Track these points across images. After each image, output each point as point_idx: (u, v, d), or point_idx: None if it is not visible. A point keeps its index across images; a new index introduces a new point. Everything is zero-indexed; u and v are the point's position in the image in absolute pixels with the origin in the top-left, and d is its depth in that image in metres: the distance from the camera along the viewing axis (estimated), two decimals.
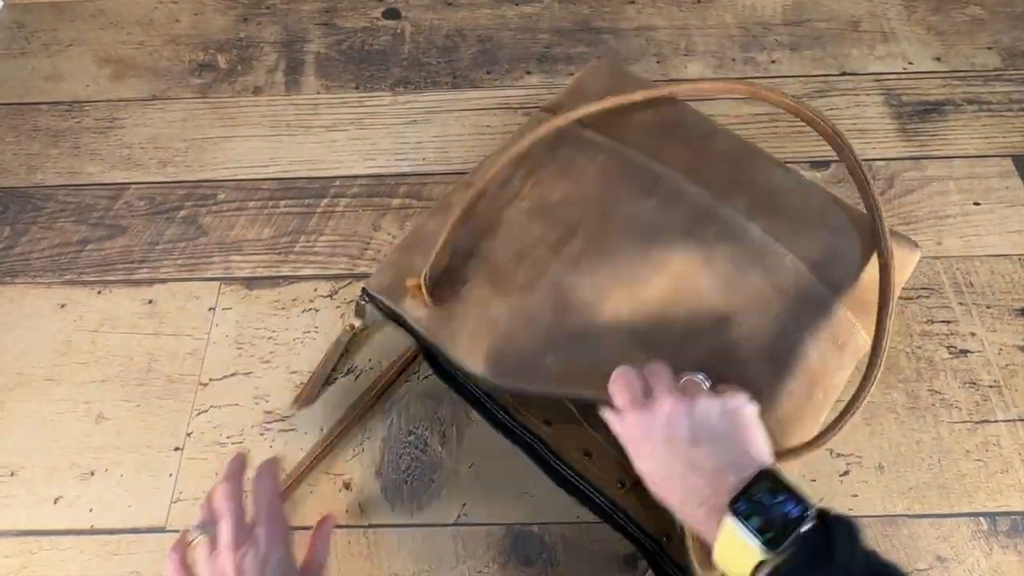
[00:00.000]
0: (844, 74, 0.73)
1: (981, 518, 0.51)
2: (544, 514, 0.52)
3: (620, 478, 0.50)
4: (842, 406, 0.43)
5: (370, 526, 0.52)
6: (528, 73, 0.75)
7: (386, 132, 0.71)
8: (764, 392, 0.43)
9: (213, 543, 0.42)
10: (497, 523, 0.52)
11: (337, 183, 0.68)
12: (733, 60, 0.75)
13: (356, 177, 0.68)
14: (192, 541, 0.43)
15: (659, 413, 0.38)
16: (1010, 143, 0.68)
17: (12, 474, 0.54)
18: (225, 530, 0.42)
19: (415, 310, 0.47)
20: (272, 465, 0.46)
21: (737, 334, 0.45)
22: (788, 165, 0.52)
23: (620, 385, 0.41)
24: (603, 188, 0.51)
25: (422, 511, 0.52)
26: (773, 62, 0.75)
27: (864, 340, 0.46)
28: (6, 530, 0.52)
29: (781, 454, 0.41)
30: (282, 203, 0.67)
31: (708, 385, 0.41)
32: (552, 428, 0.52)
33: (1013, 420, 0.54)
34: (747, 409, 0.39)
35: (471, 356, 0.46)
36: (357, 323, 0.55)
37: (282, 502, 0.45)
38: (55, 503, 0.53)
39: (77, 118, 0.73)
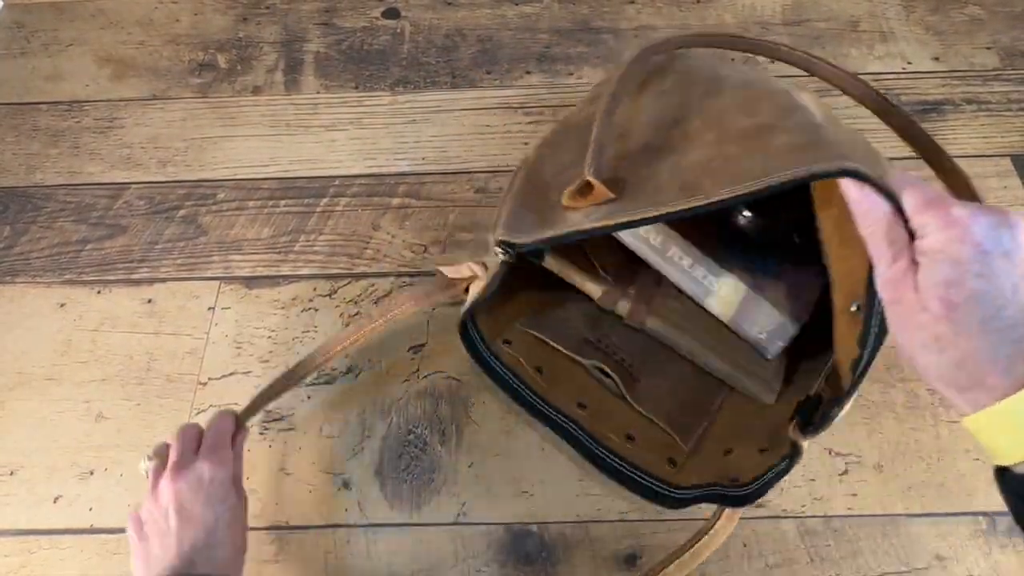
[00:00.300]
0: None
1: (980, 517, 0.51)
2: (544, 513, 0.52)
3: (670, 456, 0.49)
4: None
5: (369, 525, 0.52)
6: (528, 73, 0.75)
7: (385, 132, 0.71)
8: None
9: (159, 470, 0.44)
10: (496, 522, 0.52)
11: (336, 182, 0.68)
12: (733, 60, 0.75)
13: (355, 177, 0.68)
14: (144, 470, 0.45)
15: (979, 220, 0.30)
16: (1009, 143, 0.68)
17: (12, 473, 0.54)
18: (171, 454, 0.44)
19: (589, 217, 0.42)
20: (230, 412, 0.48)
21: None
22: None
23: (918, 183, 0.33)
24: (715, 60, 0.48)
25: (421, 510, 0.52)
26: (773, 62, 0.75)
27: None
28: (6, 529, 0.52)
29: None
30: (282, 203, 0.67)
31: None
32: (587, 411, 0.51)
33: None
34: None
35: (690, 198, 0.38)
36: (466, 276, 0.51)
37: (239, 441, 0.48)
38: (55, 502, 0.53)
39: (77, 118, 0.73)
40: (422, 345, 0.59)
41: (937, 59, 0.74)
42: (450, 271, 0.51)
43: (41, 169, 0.70)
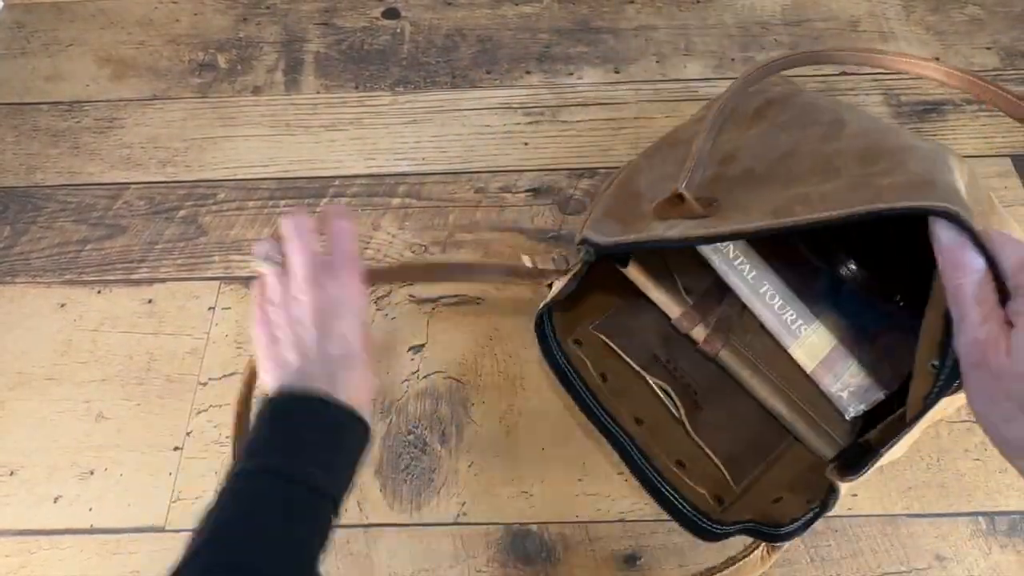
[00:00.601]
0: (843, 74, 0.73)
1: (980, 517, 0.51)
2: (543, 513, 0.52)
3: (718, 494, 0.48)
4: None
5: (369, 525, 0.52)
6: (528, 73, 0.75)
7: (385, 132, 0.71)
8: None
9: (279, 280, 0.38)
10: (496, 522, 0.52)
11: (336, 183, 0.68)
12: (732, 60, 0.75)
13: (355, 177, 0.68)
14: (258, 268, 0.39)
15: None
16: (1009, 143, 0.68)
17: (12, 473, 0.54)
18: (299, 263, 0.38)
19: (676, 227, 0.42)
20: (350, 230, 0.40)
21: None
22: None
23: (1020, 242, 0.31)
24: (839, 103, 0.47)
25: (421, 510, 0.52)
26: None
27: None
28: (5, 529, 0.52)
29: None
30: (282, 203, 0.67)
31: None
32: (643, 427, 0.50)
33: None
34: None
35: (782, 219, 0.38)
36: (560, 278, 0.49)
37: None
38: (55, 502, 0.53)
39: (77, 118, 0.73)
40: (422, 345, 0.59)
41: (937, 59, 0.74)
42: (530, 262, 0.49)
43: (41, 169, 0.70)
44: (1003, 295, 0.31)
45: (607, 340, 0.53)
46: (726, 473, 0.49)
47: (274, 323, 0.38)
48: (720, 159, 0.46)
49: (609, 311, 0.55)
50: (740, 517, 0.46)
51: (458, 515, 0.52)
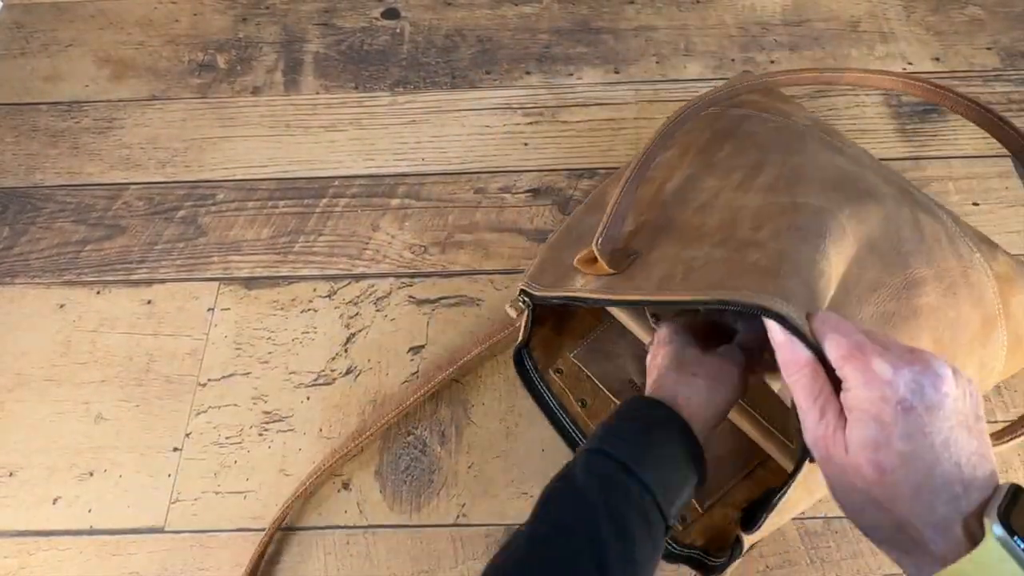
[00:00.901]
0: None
1: None
2: None
3: (682, 513, 0.49)
4: None
5: (369, 526, 0.52)
6: (527, 73, 0.75)
7: (385, 132, 0.71)
8: None
9: None
10: (496, 523, 0.52)
11: (336, 183, 0.68)
12: (733, 60, 0.75)
13: (355, 177, 0.68)
14: None
15: (902, 374, 0.29)
16: None
17: (11, 474, 0.54)
18: None
19: (588, 285, 0.45)
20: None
21: (923, 302, 0.41)
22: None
23: (840, 329, 0.32)
24: (782, 141, 0.47)
25: (421, 511, 0.52)
26: (772, 62, 0.75)
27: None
28: (5, 530, 0.52)
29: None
30: (281, 203, 0.67)
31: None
32: None
33: (1013, 420, 0.54)
34: (970, 389, 0.31)
35: (661, 291, 0.41)
36: (521, 321, 0.52)
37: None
38: (54, 503, 0.53)
39: (76, 118, 0.73)
40: (422, 346, 0.59)
41: (937, 59, 0.74)
42: (514, 313, 0.52)
43: (40, 170, 0.70)
44: (838, 385, 0.32)
45: (582, 368, 0.55)
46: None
47: None
48: (652, 201, 0.48)
49: (590, 336, 0.57)
50: (697, 539, 0.47)
51: (458, 516, 0.52)
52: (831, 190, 0.43)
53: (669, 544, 0.48)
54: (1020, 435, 0.39)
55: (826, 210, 0.41)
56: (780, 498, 0.39)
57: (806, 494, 0.41)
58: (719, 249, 0.41)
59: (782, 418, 0.49)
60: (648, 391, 0.41)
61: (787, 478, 0.38)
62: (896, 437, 0.29)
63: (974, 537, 0.27)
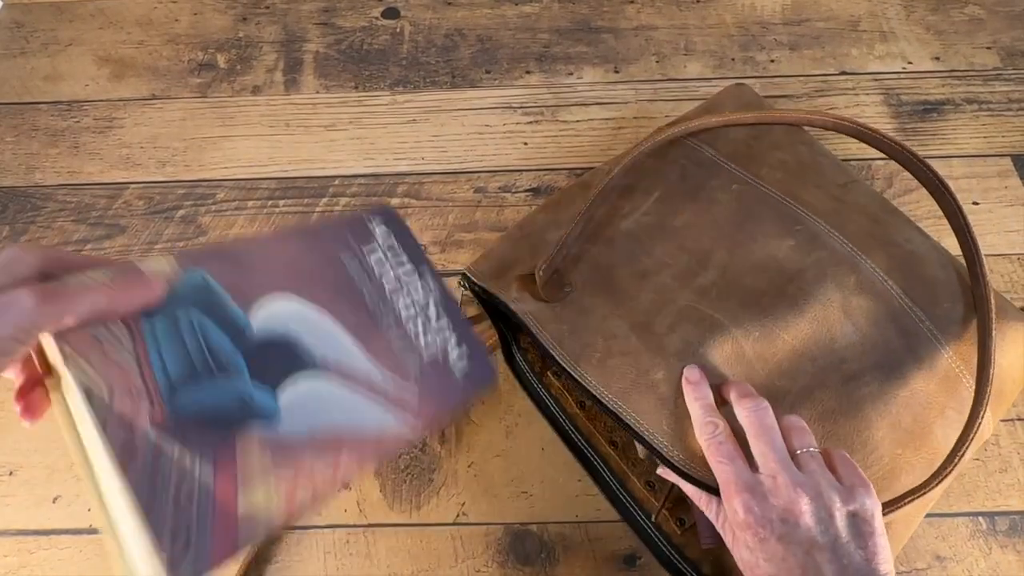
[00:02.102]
0: (843, 73, 0.73)
1: (980, 517, 0.51)
2: (543, 513, 0.52)
3: (680, 516, 0.49)
4: None
5: (369, 525, 0.52)
6: (528, 73, 0.75)
7: (385, 131, 0.71)
8: (884, 461, 0.42)
9: None
10: (496, 522, 0.52)
11: (336, 182, 0.68)
12: (733, 60, 0.75)
13: (355, 176, 0.68)
14: None
15: (776, 501, 0.34)
16: (1009, 143, 0.68)
17: (11, 473, 0.54)
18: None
19: (522, 301, 0.46)
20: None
21: (865, 392, 0.43)
22: (922, 228, 0.52)
23: (723, 452, 0.37)
24: (736, 220, 0.49)
25: (421, 510, 0.52)
26: (772, 61, 0.75)
27: (990, 427, 0.45)
28: (5, 529, 0.52)
29: (892, 502, 0.40)
30: (281, 202, 0.67)
31: (815, 451, 0.38)
32: (618, 450, 0.52)
33: (1012, 420, 0.54)
34: (875, 512, 0.35)
35: (581, 362, 0.43)
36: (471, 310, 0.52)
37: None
38: (54, 502, 0.53)
39: (76, 118, 0.73)
40: None
41: (937, 59, 0.74)
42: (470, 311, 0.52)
43: (40, 169, 0.70)
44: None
45: None
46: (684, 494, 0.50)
47: None
48: (603, 231, 0.49)
49: None
50: (700, 556, 0.48)
51: (458, 515, 0.52)
52: (754, 304, 0.45)
53: (671, 553, 0.48)
54: (920, 495, 0.40)
55: (731, 336, 0.44)
56: None
57: None
58: (635, 338, 0.44)
59: None
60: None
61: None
62: (762, 560, 0.34)
63: None
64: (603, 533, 0.51)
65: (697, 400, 0.40)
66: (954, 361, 0.45)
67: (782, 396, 0.43)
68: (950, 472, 0.40)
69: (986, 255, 0.61)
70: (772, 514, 0.34)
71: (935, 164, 0.66)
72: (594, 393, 0.42)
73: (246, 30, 0.79)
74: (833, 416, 0.42)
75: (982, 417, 0.42)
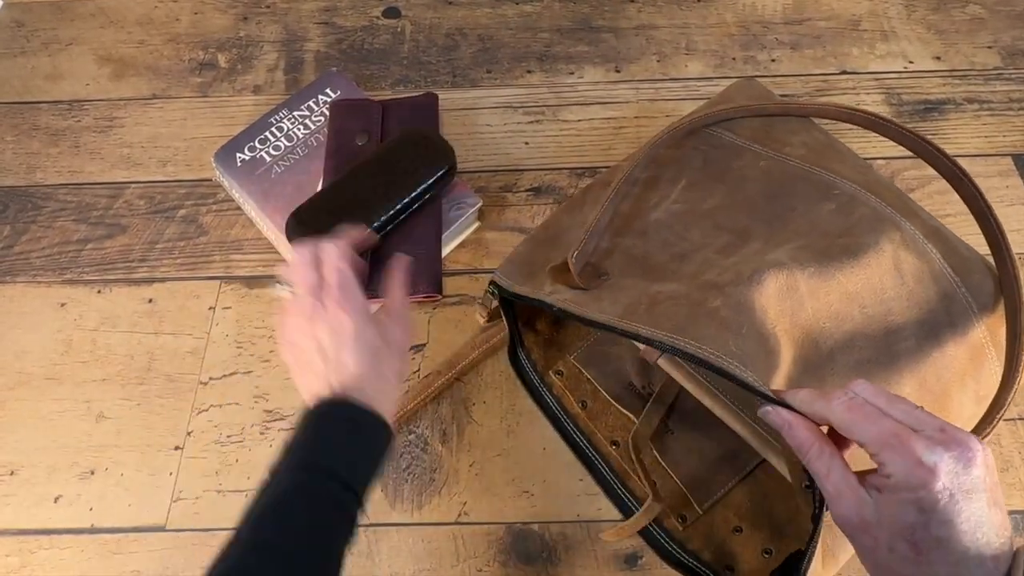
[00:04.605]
0: (844, 73, 0.73)
1: None
2: (544, 513, 0.52)
3: (682, 513, 0.50)
4: None
5: (370, 525, 0.52)
6: (528, 72, 0.75)
7: None
8: None
9: (304, 300, 0.43)
10: (497, 522, 0.52)
11: None
12: (734, 59, 0.75)
13: None
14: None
15: (944, 461, 0.30)
16: (1010, 142, 0.68)
17: (12, 473, 0.54)
18: (303, 296, 0.43)
19: (557, 292, 0.45)
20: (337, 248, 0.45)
21: (903, 347, 0.42)
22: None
23: (865, 410, 0.32)
24: (771, 194, 0.48)
25: (422, 510, 0.52)
26: (773, 61, 0.75)
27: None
28: (6, 529, 0.52)
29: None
30: None
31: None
32: (619, 450, 0.52)
33: (1013, 419, 0.54)
34: (991, 460, 0.31)
35: (626, 317, 0.41)
36: (484, 319, 0.52)
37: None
38: (55, 502, 0.53)
39: (77, 117, 0.73)
40: (422, 345, 0.59)
41: (938, 58, 0.74)
42: (482, 320, 0.52)
43: (41, 168, 0.70)
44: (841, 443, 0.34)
45: (582, 370, 0.55)
46: (688, 494, 0.51)
47: (300, 340, 0.43)
48: (633, 224, 0.48)
49: (590, 338, 0.57)
50: (701, 548, 0.48)
51: (459, 514, 0.52)
52: (809, 247, 0.44)
53: (672, 547, 0.48)
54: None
55: (786, 269, 0.42)
56: (807, 565, 0.38)
57: (831, 562, 0.41)
58: (683, 285, 0.43)
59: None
60: None
61: (811, 531, 0.38)
62: (936, 522, 0.30)
63: None
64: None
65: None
66: (983, 333, 0.44)
67: (824, 338, 0.41)
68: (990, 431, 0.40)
69: (986, 254, 0.61)
70: (958, 465, 0.30)
71: None
72: (646, 335, 0.39)
73: (247, 29, 0.79)
74: (868, 366, 0.41)
75: (1013, 392, 0.41)
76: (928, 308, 0.44)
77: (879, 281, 0.44)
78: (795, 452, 0.34)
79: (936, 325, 0.44)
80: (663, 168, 0.51)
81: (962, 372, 0.43)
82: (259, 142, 0.64)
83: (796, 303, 0.42)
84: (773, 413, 0.35)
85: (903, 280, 0.44)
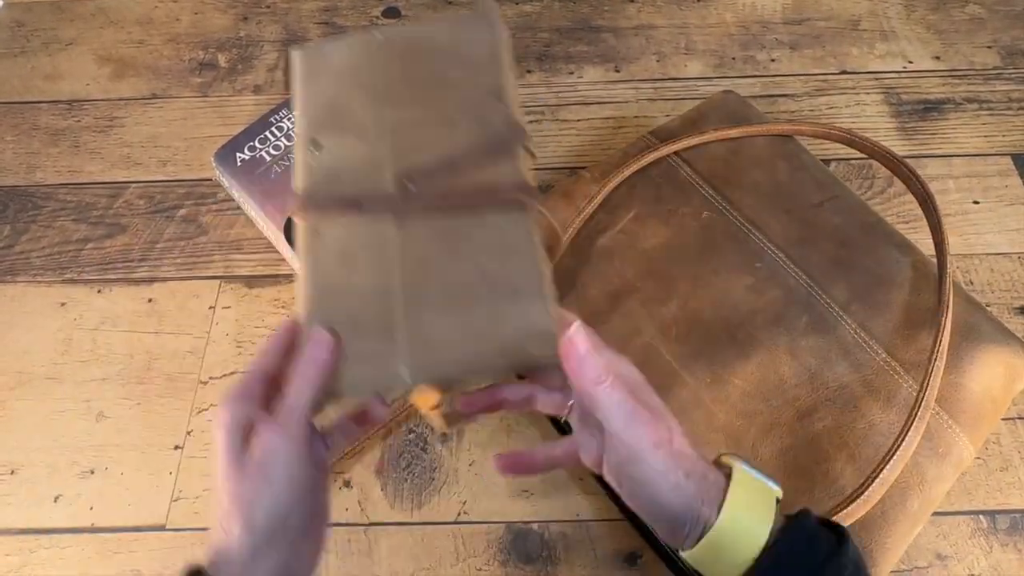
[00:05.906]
0: (844, 73, 0.74)
1: (981, 516, 0.51)
2: (544, 512, 0.52)
3: None
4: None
5: (370, 524, 0.52)
6: (528, 72, 0.75)
7: None
8: (847, 492, 0.42)
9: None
10: (497, 521, 0.52)
11: None
12: (733, 59, 0.75)
13: None
14: None
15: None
16: (1010, 142, 0.68)
17: (12, 472, 0.54)
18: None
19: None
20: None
21: (820, 427, 0.45)
22: (908, 243, 0.53)
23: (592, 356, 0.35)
24: (703, 252, 0.52)
25: (422, 509, 0.52)
26: (773, 61, 0.75)
27: (968, 452, 0.46)
28: (6, 528, 0.52)
29: (830, 512, 0.41)
30: None
31: None
32: None
33: (1013, 419, 0.54)
34: None
35: None
36: None
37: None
38: (55, 501, 0.53)
39: (77, 117, 0.73)
40: None
41: (938, 58, 0.74)
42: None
43: (41, 168, 0.70)
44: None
45: None
46: None
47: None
48: (581, 244, 0.53)
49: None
50: None
51: (459, 514, 0.52)
52: (707, 349, 0.48)
53: (672, 549, 0.48)
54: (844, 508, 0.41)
55: (687, 385, 0.48)
56: None
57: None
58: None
59: None
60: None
61: None
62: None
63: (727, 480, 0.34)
64: (604, 532, 0.51)
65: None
66: (914, 390, 0.46)
67: (743, 435, 0.46)
68: (861, 495, 0.41)
69: (986, 254, 0.61)
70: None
71: (935, 163, 0.67)
72: None
73: (247, 29, 0.79)
74: (792, 452, 0.45)
75: (900, 442, 0.42)
76: (838, 384, 0.47)
77: (775, 375, 0.47)
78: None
79: (852, 398, 0.46)
80: (619, 187, 0.55)
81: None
82: (259, 142, 0.64)
83: (707, 412, 0.47)
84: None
85: (804, 366, 0.47)
